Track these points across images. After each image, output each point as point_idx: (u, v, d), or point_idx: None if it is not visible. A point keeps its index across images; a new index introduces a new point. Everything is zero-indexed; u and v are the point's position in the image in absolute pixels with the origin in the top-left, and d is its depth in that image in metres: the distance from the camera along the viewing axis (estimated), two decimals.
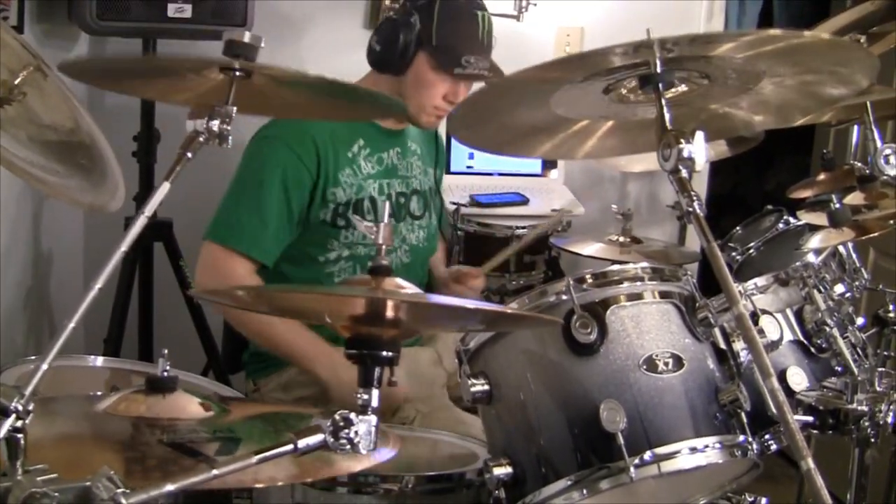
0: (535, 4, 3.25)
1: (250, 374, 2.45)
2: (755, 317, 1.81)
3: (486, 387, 1.67)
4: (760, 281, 1.91)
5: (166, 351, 1.49)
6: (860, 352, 1.89)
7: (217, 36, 1.41)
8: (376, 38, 2.32)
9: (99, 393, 1.64)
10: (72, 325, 1.15)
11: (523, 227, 2.94)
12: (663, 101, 1.38)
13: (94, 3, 2.59)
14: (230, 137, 1.36)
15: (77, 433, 1.46)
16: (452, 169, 3.33)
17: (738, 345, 1.72)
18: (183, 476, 1.11)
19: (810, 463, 1.19)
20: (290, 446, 1.18)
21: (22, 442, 1.06)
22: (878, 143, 1.82)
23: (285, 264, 2.32)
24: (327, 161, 2.29)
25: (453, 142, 3.31)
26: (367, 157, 2.37)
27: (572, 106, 1.53)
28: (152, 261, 2.95)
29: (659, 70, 1.37)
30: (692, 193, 1.33)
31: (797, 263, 1.95)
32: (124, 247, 1.24)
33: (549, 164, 3.39)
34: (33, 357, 2.05)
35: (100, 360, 2.06)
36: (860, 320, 1.97)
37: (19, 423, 1.07)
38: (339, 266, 2.34)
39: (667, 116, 1.37)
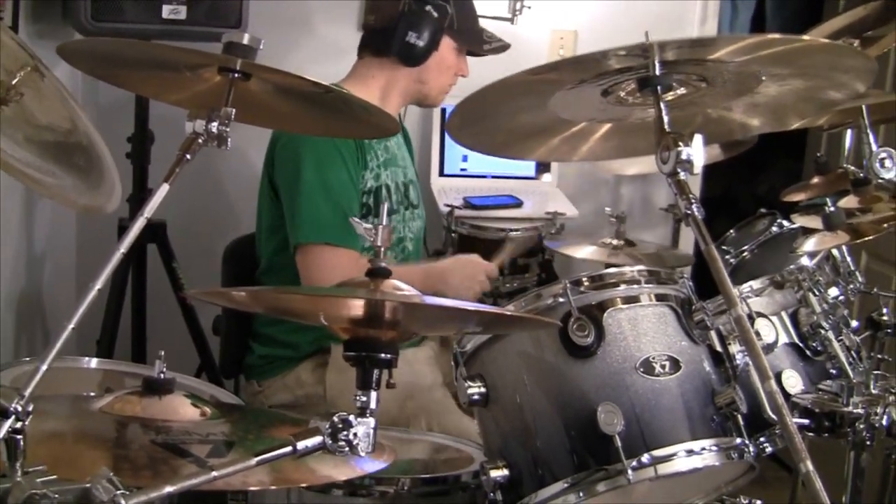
0: (529, 7, 3.25)
1: (254, 375, 2.45)
2: (751, 319, 1.81)
3: (483, 389, 1.68)
4: (756, 284, 1.91)
5: (163, 352, 1.48)
6: (855, 355, 1.90)
7: (211, 38, 1.41)
8: (414, 35, 2.31)
9: (93, 394, 1.63)
10: (71, 325, 1.15)
11: (517, 230, 2.94)
12: (662, 104, 1.39)
13: (89, 4, 2.58)
14: (229, 139, 1.36)
15: (67, 431, 1.45)
16: (446, 171, 3.33)
17: (735, 347, 1.72)
18: (173, 476, 1.11)
19: (809, 465, 1.19)
20: (289, 448, 1.18)
21: (21, 443, 1.06)
22: (874, 147, 1.83)
23: None
24: (362, 143, 2.33)
25: (447, 144, 3.32)
26: (378, 143, 2.40)
27: (571, 108, 1.53)
28: (146, 262, 2.94)
29: (658, 73, 1.37)
30: (691, 196, 1.33)
31: (792, 266, 1.95)
32: (123, 248, 1.24)
33: (542, 167, 3.39)
34: (28, 358, 2.04)
35: (94, 362, 2.04)
36: (854, 323, 1.97)
37: (19, 425, 1.07)
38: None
39: (665, 119, 1.38)
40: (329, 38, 3.31)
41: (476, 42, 2.45)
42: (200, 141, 1.36)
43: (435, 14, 2.32)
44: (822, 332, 1.87)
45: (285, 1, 3.27)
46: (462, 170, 3.35)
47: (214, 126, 1.35)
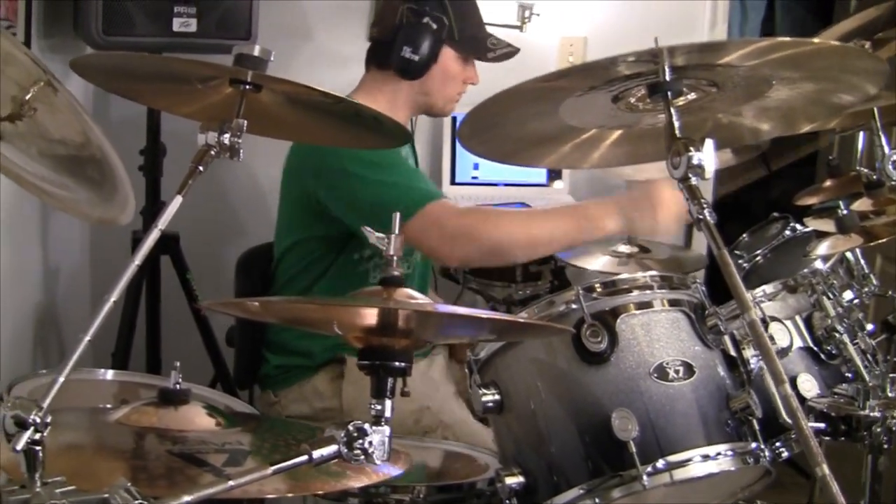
0: (538, 14, 3.26)
1: (270, 385, 2.44)
2: (764, 324, 1.80)
3: (497, 396, 1.68)
4: (769, 288, 1.90)
5: (178, 363, 1.49)
6: (870, 358, 1.89)
7: (222, 50, 1.41)
8: (409, 50, 2.28)
9: (109, 406, 1.64)
10: (87, 338, 1.16)
11: None
12: (672, 110, 1.39)
13: (100, 18, 2.60)
14: (241, 151, 1.37)
15: (85, 443, 1.46)
16: (457, 180, 3.34)
17: (749, 352, 1.72)
18: (190, 485, 1.11)
19: (825, 469, 1.18)
20: (305, 457, 1.18)
21: (41, 454, 1.07)
22: (886, 149, 1.82)
23: (319, 265, 2.33)
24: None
25: (458, 153, 3.33)
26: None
27: (581, 115, 1.53)
28: (159, 274, 2.95)
29: (668, 78, 1.37)
30: (702, 201, 1.33)
31: (805, 270, 1.94)
32: (138, 260, 1.24)
33: (554, 174, 3.39)
34: (44, 371, 2.05)
35: (109, 374, 2.04)
36: (869, 326, 1.96)
37: (38, 436, 1.07)
38: (374, 262, 2.32)
39: (676, 124, 1.38)
40: (339, 47, 3.32)
41: (480, 50, 2.41)
42: (213, 153, 1.36)
43: (433, 26, 2.28)
44: (837, 335, 1.86)
45: (294, 9, 3.29)
46: (473, 178, 3.35)
47: (227, 138, 1.36)
